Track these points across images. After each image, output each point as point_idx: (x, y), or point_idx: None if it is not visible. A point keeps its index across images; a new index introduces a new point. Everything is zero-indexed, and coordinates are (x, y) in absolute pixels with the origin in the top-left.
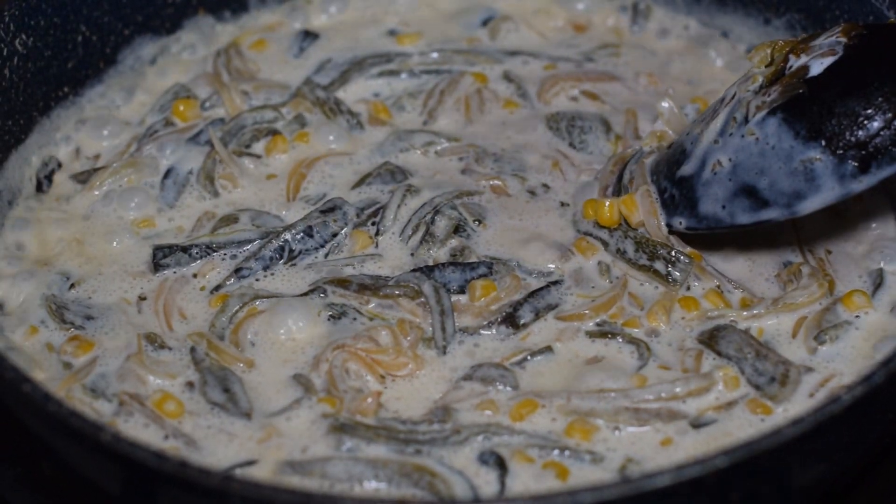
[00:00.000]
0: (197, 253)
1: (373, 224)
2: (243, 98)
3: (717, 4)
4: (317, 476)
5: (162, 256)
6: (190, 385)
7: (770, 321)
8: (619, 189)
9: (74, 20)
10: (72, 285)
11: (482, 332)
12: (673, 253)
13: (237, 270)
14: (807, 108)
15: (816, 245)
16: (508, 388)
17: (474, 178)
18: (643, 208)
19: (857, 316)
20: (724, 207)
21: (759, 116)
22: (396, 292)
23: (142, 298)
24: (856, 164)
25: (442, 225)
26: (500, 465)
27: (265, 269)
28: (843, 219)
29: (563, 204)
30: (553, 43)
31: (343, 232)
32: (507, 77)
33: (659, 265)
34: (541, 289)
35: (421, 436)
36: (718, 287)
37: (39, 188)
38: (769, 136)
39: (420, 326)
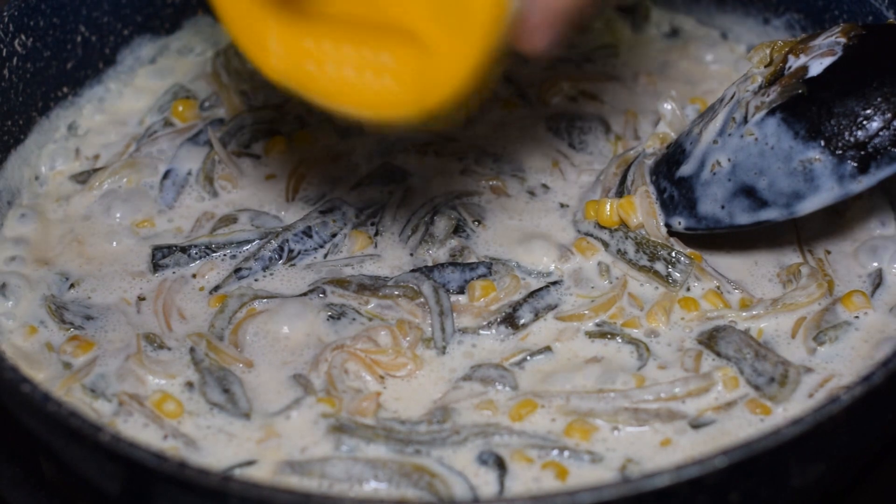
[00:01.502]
0: (196, 253)
1: (372, 224)
2: (243, 98)
3: (716, 4)
4: (316, 476)
5: (161, 257)
6: (189, 385)
7: (769, 321)
8: (622, 191)
9: (74, 21)
10: (71, 285)
11: (481, 332)
12: (673, 254)
13: (236, 270)
14: (806, 108)
15: (816, 245)
16: (508, 389)
17: (474, 179)
18: (642, 209)
19: (856, 316)
20: (723, 207)
21: (759, 117)
22: (396, 292)
23: (141, 299)
24: (855, 164)
25: (441, 225)
26: (500, 466)
27: (264, 269)
28: (842, 219)
29: (562, 205)
30: None
31: (342, 232)
32: (507, 77)
33: (659, 266)
34: (540, 289)
35: (420, 436)
36: (718, 288)
37: (39, 188)
38: (768, 136)
39: (419, 327)
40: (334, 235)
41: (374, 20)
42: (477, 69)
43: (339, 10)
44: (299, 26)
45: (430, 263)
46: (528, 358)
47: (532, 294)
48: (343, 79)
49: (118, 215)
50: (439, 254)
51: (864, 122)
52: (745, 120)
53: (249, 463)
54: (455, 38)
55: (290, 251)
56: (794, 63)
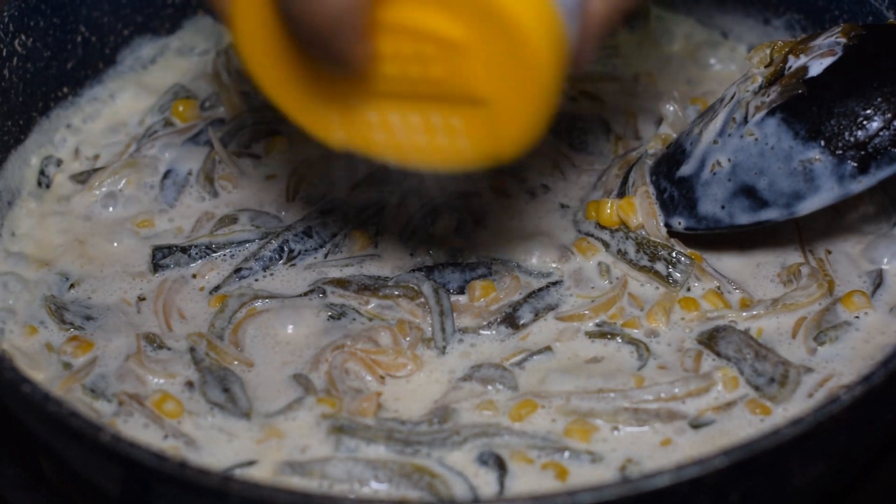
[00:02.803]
0: (196, 253)
1: (372, 224)
2: (243, 98)
3: (716, 4)
4: (316, 476)
5: (161, 257)
6: (189, 385)
7: (770, 321)
8: (623, 192)
9: (74, 21)
10: (71, 285)
11: (482, 332)
12: (674, 254)
13: (237, 270)
14: (806, 108)
15: (816, 245)
16: (508, 389)
17: (474, 179)
18: (642, 210)
19: (856, 316)
20: (723, 208)
21: (759, 117)
22: (396, 293)
23: (141, 299)
24: (855, 164)
25: (441, 225)
26: (500, 466)
27: (265, 269)
28: (842, 219)
29: (563, 205)
30: None
31: (342, 232)
32: None
33: (660, 266)
34: (540, 289)
35: (421, 436)
36: (718, 288)
37: (39, 188)
38: (768, 136)
39: (419, 327)
40: (334, 235)
41: (434, 91)
42: (545, 112)
43: (397, 86)
44: (362, 102)
45: (430, 263)
46: (529, 358)
47: (532, 294)
48: (415, 144)
49: (118, 215)
50: (439, 254)
51: (865, 122)
52: (746, 120)
53: (250, 463)
54: (519, 94)
55: (291, 251)
56: (795, 63)
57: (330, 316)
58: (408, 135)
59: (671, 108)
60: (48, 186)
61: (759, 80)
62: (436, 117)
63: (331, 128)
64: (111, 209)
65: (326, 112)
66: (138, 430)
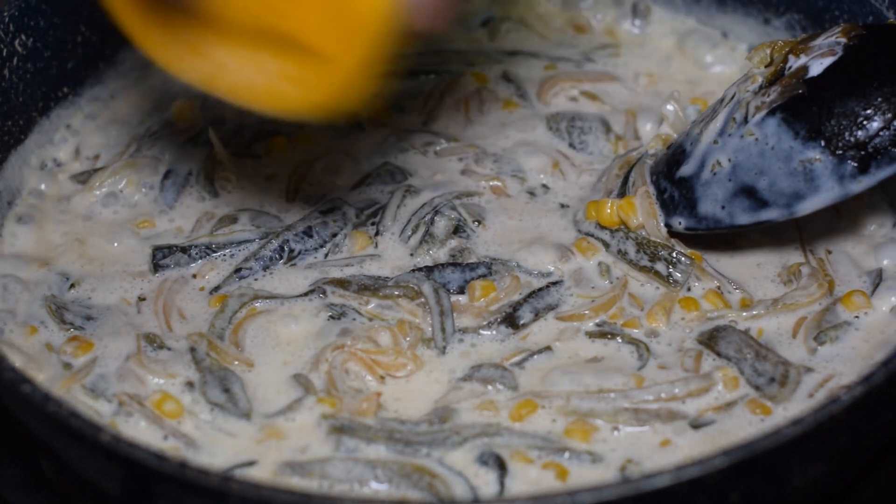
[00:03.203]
0: (196, 253)
1: (372, 224)
2: None
3: (716, 4)
4: (316, 477)
5: (161, 257)
6: (190, 385)
7: (770, 321)
8: (623, 192)
9: (74, 20)
10: (72, 285)
11: (482, 332)
12: (674, 254)
13: (237, 270)
14: (806, 108)
15: (816, 245)
16: (508, 389)
17: (474, 179)
18: (642, 210)
19: (856, 316)
20: (723, 208)
21: (759, 117)
22: (396, 293)
23: (141, 299)
24: (855, 164)
25: (441, 225)
26: (500, 466)
27: (265, 269)
28: (842, 219)
29: (562, 205)
30: (553, 43)
31: (342, 232)
32: (507, 77)
33: (660, 266)
34: (540, 289)
35: (421, 436)
36: (719, 288)
37: (39, 189)
38: (769, 136)
39: (419, 327)
40: (335, 235)
41: (268, 32)
42: (374, 63)
43: (233, 24)
44: (199, 32)
45: (430, 263)
46: (529, 358)
47: (532, 294)
48: (247, 81)
49: (119, 215)
50: (439, 254)
51: (865, 122)
52: (746, 120)
53: (250, 463)
54: (345, 46)
55: (291, 251)
56: (795, 63)
57: (330, 316)
58: (240, 71)
59: (671, 108)
60: (48, 187)
61: (759, 80)
62: (267, 57)
63: (171, 55)
64: (111, 209)
65: (167, 39)
66: (138, 431)
